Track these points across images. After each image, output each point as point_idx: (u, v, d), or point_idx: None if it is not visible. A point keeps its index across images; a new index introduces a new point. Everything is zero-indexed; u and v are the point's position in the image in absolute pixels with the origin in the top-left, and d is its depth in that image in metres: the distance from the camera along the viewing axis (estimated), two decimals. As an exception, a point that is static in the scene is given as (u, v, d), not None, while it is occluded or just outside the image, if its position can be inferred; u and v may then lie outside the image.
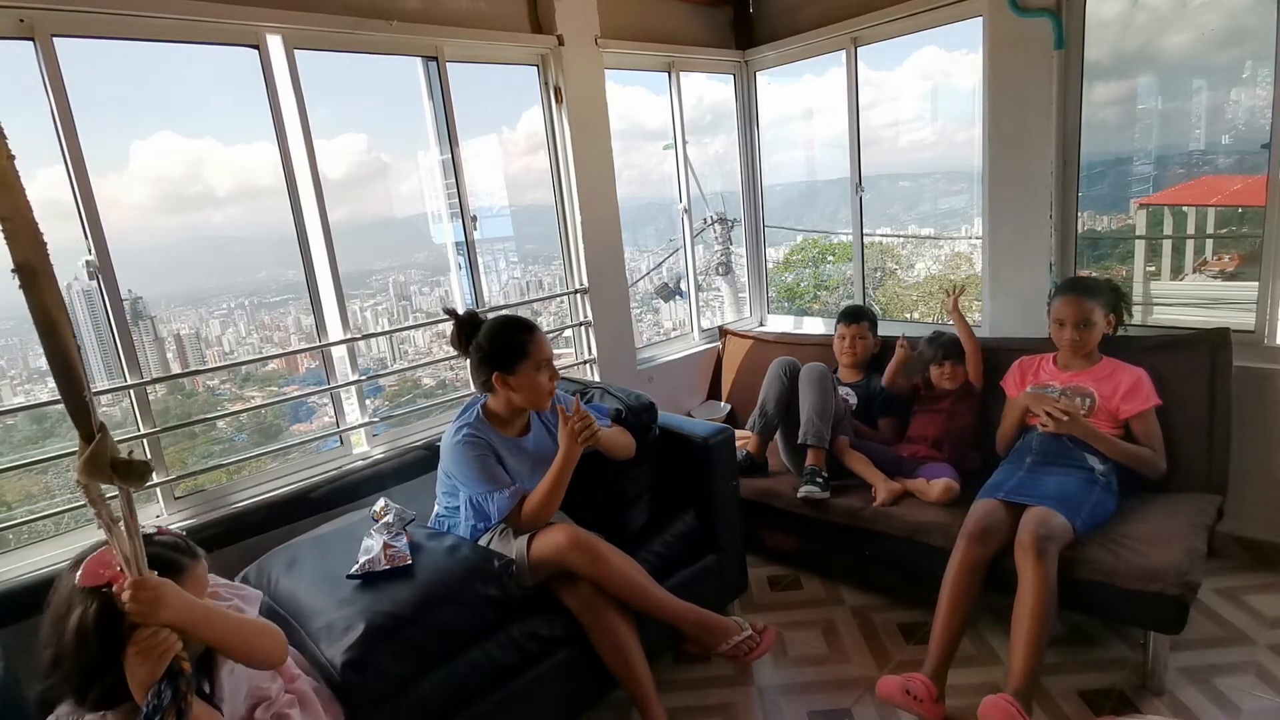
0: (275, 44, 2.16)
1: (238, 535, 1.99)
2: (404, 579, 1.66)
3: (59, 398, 0.90)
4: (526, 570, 1.78)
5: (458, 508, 1.91)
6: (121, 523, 0.98)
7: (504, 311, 2.17)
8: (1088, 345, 2.15)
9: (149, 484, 0.91)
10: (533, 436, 1.98)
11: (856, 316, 2.75)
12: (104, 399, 2.30)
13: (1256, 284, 2.34)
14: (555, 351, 2.00)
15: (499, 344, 1.86)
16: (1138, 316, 2.84)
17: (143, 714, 0.97)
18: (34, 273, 0.85)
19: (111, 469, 0.91)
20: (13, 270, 0.85)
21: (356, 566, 1.69)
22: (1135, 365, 2.11)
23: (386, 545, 1.74)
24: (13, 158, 0.84)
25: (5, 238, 0.84)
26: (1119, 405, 2.06)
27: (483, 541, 1.88)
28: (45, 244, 0.86)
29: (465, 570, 1.70)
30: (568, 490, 1.86)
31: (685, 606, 1.84)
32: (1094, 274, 2.75)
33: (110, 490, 0.96)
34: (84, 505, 1.91)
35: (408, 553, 1.74)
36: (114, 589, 1.03)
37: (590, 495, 2.00)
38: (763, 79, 3.55)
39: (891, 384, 2.60)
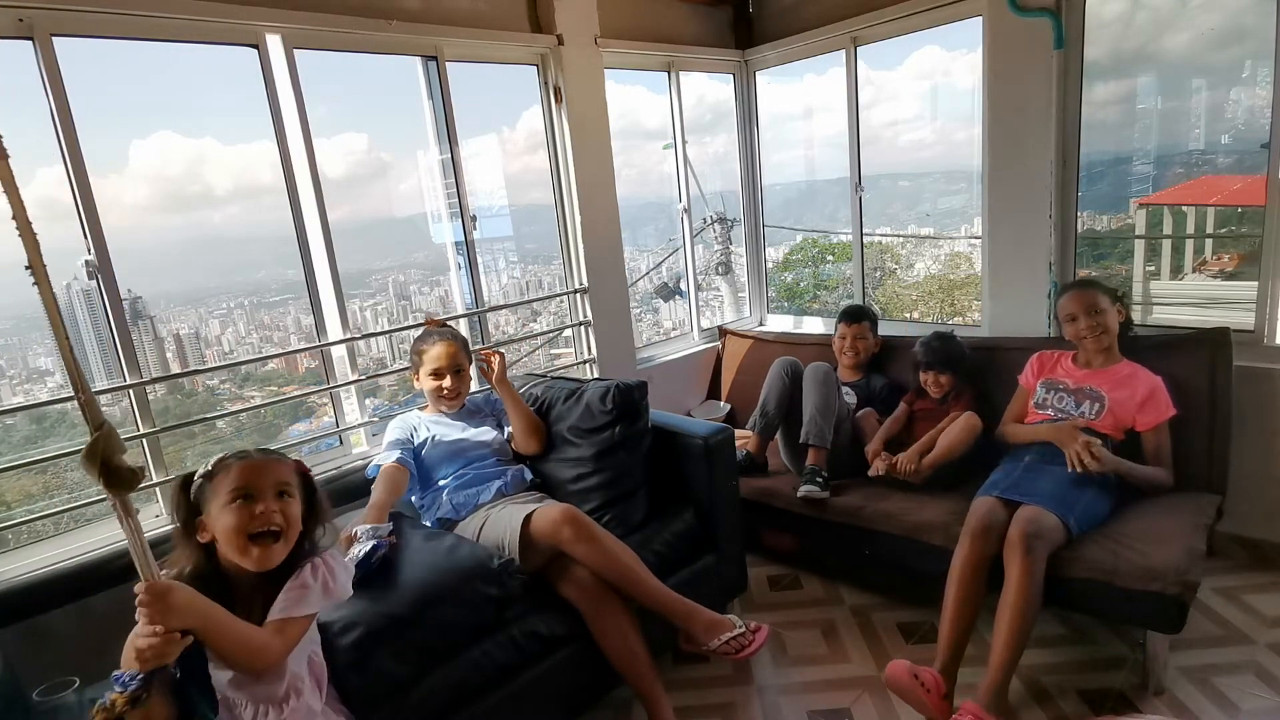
0: (275, 43, 2.15)
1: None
2: (403, 579, 1.65)
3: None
4: (517, 549, 1.82)
5: (434, 486, 2.06)
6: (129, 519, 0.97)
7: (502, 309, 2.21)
8: (1108, 331, 2.10)
9: (138, 489, 0.89)
10: (463, 410, 2.21)
11: (857, 316, 2.75)
12: (104, 399, 2.30)
13: (1256, 284, 2.34)
14: (555, 351, 2.01)
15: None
16: (1138, 316, 2.85)
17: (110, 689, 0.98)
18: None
19: (101, 468, 0.91)
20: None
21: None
22: (1154, 373, 2.07)
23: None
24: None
25: None
26: (1134, 415, 2.05)
27: (474, 521, 1.95)
28: None
29: (465, 570, 1.70)
30: (550, 479, 2.05)
31: (675, 596, 1.85)
32: (1091, 274, 2.75)
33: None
34: (83, 505, 1.93)
35: (388, 533, 1.73)
36: None
37: (588, 481, 2.07)
38: (762, 78, 3.54)
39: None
